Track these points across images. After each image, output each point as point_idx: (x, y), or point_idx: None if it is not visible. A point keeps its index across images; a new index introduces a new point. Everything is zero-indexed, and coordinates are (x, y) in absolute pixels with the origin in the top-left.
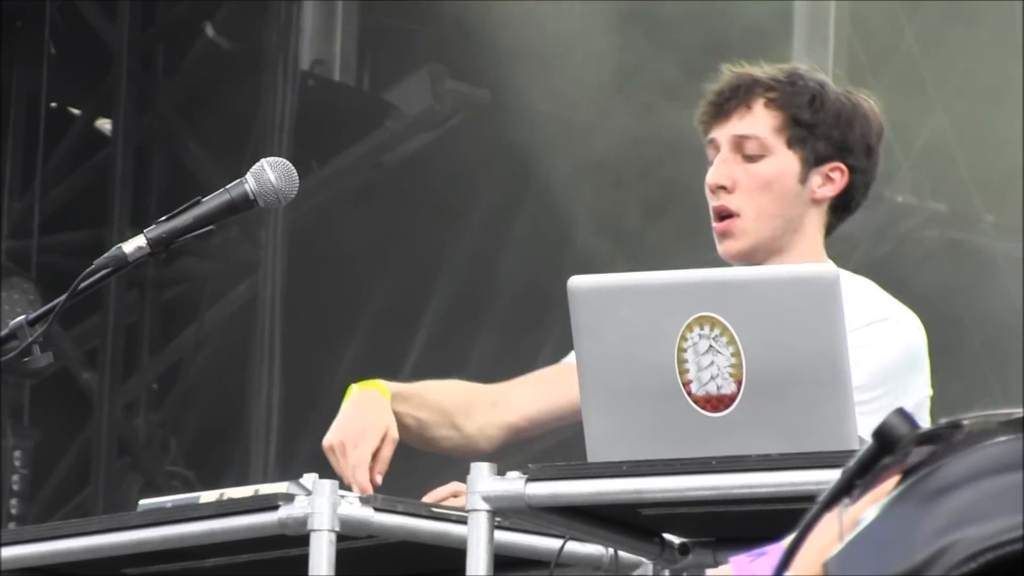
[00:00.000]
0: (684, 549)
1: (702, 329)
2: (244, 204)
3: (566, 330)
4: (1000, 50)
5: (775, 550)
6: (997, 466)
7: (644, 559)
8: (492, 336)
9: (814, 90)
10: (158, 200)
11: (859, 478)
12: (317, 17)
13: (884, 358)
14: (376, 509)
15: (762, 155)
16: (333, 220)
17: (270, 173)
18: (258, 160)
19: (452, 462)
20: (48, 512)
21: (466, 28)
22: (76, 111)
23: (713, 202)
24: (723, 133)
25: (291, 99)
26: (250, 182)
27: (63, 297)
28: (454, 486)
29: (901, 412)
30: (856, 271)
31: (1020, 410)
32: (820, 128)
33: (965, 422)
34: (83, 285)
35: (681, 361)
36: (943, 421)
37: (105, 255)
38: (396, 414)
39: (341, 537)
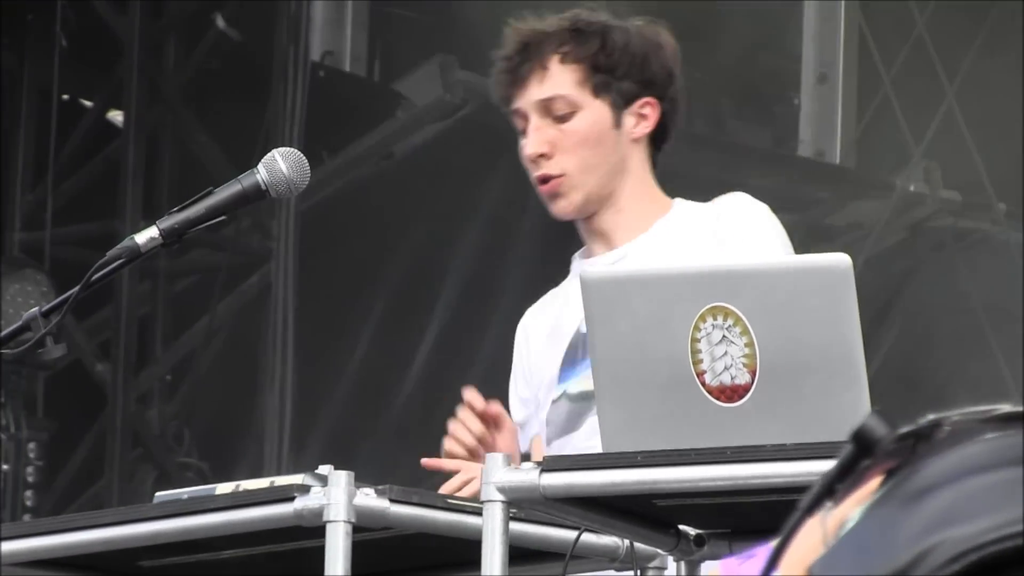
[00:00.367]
0: (700, 540)
1: (715, 319)
2: (256, 194)
3: None
4: (1012, 38)
5: (764, 551)
6: (979, 465)
7: (660, 550)
8: (504, 326)
9: (602, 32)
10: (170, 191)
11: (839, 482)
12: (327, 8)
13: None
14: (392, 500)
15: (572, 112)
16: (344, 210)
17: (282, 163)
18: (269, 151)
19: None
20: (63, 504)
21: (476, 18)
22: (87, 103)
23: (535, 171)
24: (526, 101)
25: (302, 90)
26: (262, 172)
27: (76, 288)
28: (465, 473)
29: (880, 413)
30: (868, 260)
31: (1005, 406)
32: (620, 70)
33: (947, 420)
34: (96, 276)
35: (695, 351)
36: (925, 419)
37: (118, 246)
38: None
39: (357, 528)
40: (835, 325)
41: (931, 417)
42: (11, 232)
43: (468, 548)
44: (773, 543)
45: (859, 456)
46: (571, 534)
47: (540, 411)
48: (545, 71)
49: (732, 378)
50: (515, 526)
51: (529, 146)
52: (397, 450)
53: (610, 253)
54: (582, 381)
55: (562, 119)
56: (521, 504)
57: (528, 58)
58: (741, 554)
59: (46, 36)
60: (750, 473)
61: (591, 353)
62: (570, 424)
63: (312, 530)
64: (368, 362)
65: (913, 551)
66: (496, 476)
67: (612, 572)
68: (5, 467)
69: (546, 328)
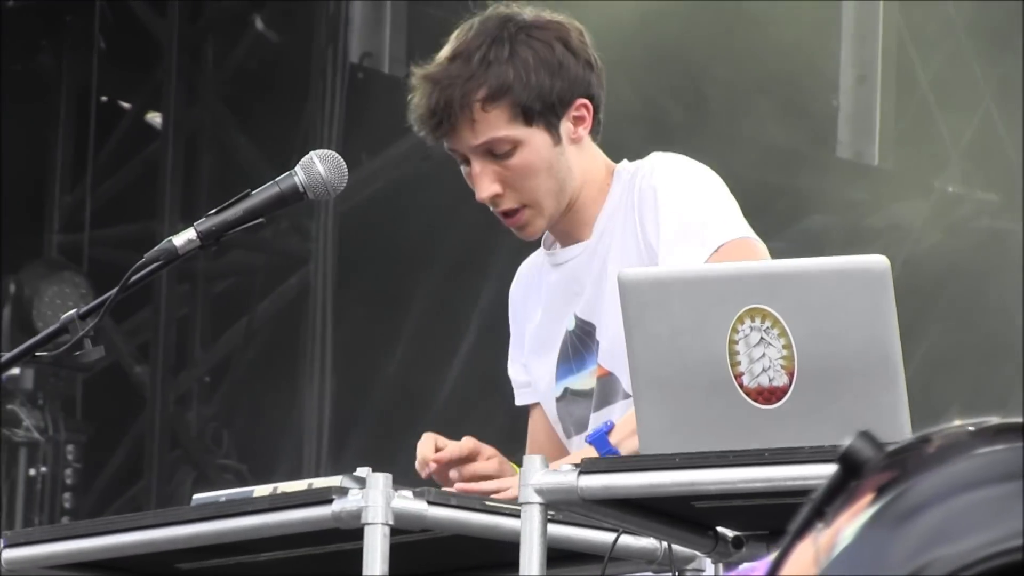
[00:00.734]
0: (738, 542)
1: (753, 321)
2: (294, 196)
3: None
4: None
5: (762, 565)
6: (969, 481)
7: (698, 552)
8: None
9: (510, 59)
10: (208, 193)
11: (828, 504)
12: (366, 9)
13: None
14: (429, 503)
15: (513, 148)
16: (383, 212)
17: (319, 165)
18: (307, 153)
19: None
20: (101, 506)
21: None
22: (126, 105)
23: (493, 209)
24: (461, 145)
25: (340, 91)
26: (299, 174)
27: (114, 291)
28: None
29: (866, 434)
30: (907, 260)
31: (994, 418)
32: (540, 90)
33: (937, 434)
34: (134, 279)
35: (733, 353)
36: (913, 435)
37: (156, 248)
38: None
39: (395, 531)
40: (873, 327)
41: (919, 433)
42: (50, 234)
43: (506, 550)
44: (769, 564)
45: (847, 478)
46: (609, 536)
47: (546, 410)
48: (473, 118)
49: (770, 380)
50: (553, 528)
51: (480, 191)
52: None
53: (575, 246)
54: (586, 378)
55: (505, 156)
56: (559, 506)
57: (450, 113)
58: (740, 570)
59: (85, 38)
60: (788, 475)
61: (629, 354)
62: (587, 416)
63: (350, 532)
64: (407, 363)
65: (906, 570)
66: (534, 478)
67: (650, 574)
68: (43, 469)
69: (534, 330)
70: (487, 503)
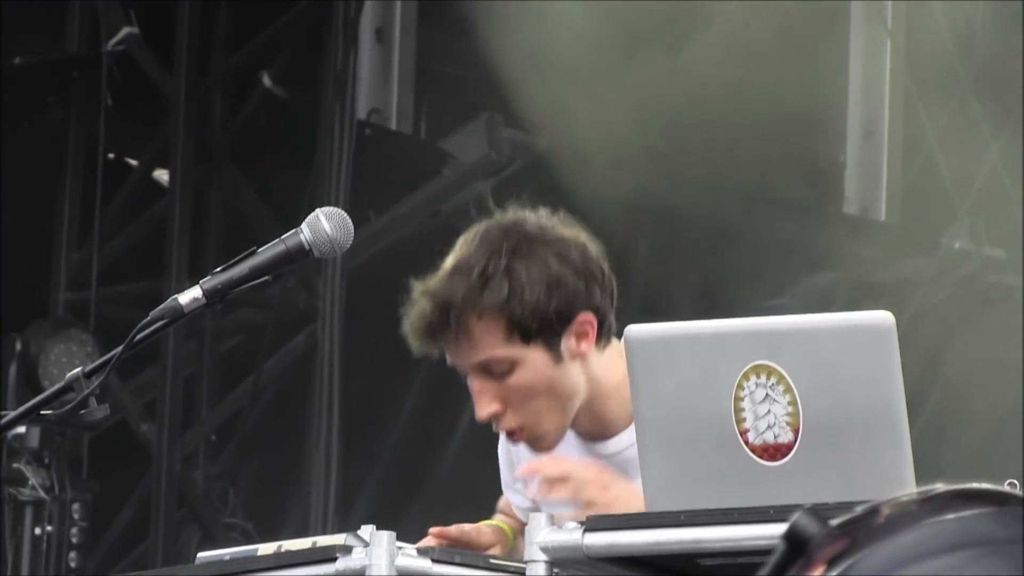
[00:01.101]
0: None
1: (759, 377)
2: (299, 254)
3: None
4: None
5: None
6: (916, 553)
7: None
8: None
9: (510, 280)
10: (216, 250)
11: None
12: (374, 66)
13: None
14: (434, 561)
15: (511, 368)
16: (391, 269)
17: (325, 223)
18: (314, 210)
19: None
20: (107, 565)
21: (522, 76)
22: (133, 161)
23: (495, 426)
24: (460, 362)
25: (348, 148)
26: (305, 232)
27: (119, 349)
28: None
29: (810, 511)
30: (914, 317)
31: (940, 485)
32: (538, 309)
33: (885, 505)
34: (139, 337)
35: (738, 410)
36: (860, 507)
37: (161, 307)
38: None
39: None
40: (878, 383)
41: (867, 504)
42: (56, 292)
43: None
44: None
45: (793, 556)
46: None
47: None
48: (469, 335)
49: (775, 436)
50: None
51: (479, 410)
52: (446, 510)
53: (607, 442)
54: None
55: (503, 375)
56: (564, 564)
57: (447, 323)
58: None
59: (92, 94)
60: None
61: (635, 410)
62: None
63: None
64: (415, 421)
65: None
66: (539, 536)
67: None
68: (49, 528)
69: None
70: (492, 561)
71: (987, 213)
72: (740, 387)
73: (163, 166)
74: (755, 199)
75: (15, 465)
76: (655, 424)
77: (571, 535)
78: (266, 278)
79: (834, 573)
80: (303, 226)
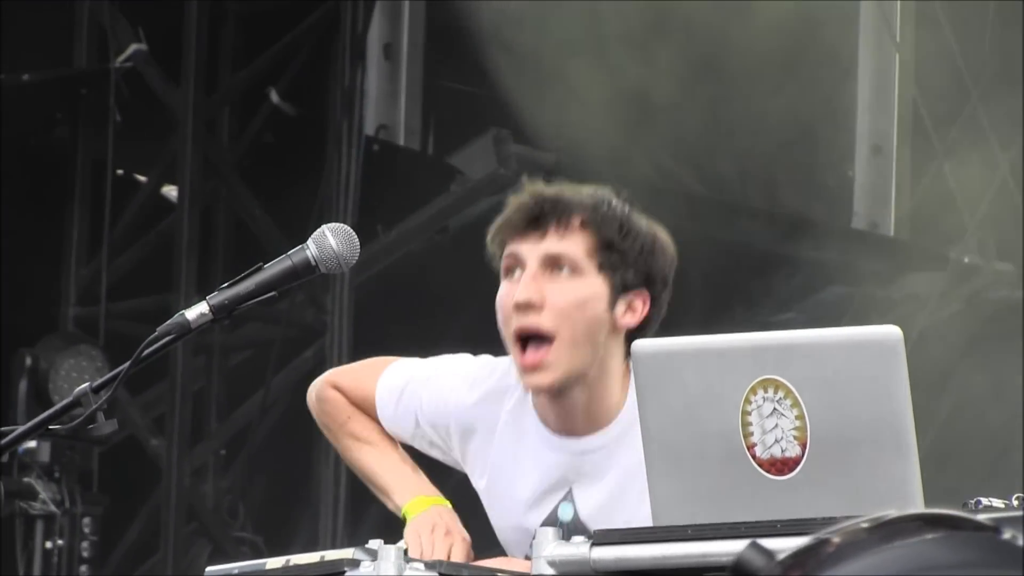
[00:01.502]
0: None
1: (766, 392)
2: (306, 270)
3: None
4: None
5: None
6: None
7: None
8: None
9: (622, 217)
10: (224, 265)
11: None
12: (381, 82)
13: None
14: (441, 575)
15: (575, 275)
16: (399, 285)
17: (331, 239)
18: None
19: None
20: None
21: (530, 92)
22: (142, 178)
23: (517, 322)
24: (533, 250)
25: (356, 164)
26: (311, 248)
27: (126, 364)
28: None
29: (755, 545)
30: (923, 332)
31: (891, 511)
32: (629, 256)
33: (835, 533)
34: (146, 352)
35: (745, 424)
36: (810, 537)
37: (168, 322)
38: None
39: None
40: (885, 398)
41: (817, 534)
42: (66, 307)
43: None
44: None
45: None
46: None
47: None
48: (566, 229)
49: (783, 451)
50: None
51: (520, 292)
52: None
53: (580, 440)
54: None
55: (563, 278)
56: None
57: (553, 210)
58: None
59: (100, 111)
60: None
61: (642, 425)
62: None
63: None
64: None
65: None
66: (547, 550)
67: None
68: (60, 542)
69: (523, 483)
70: (499, 575)
71: (996, 228)
72: (747, 401)
73: (171, 182)
74: (763, 214)
75: (26, 479)
76: (662, 438)
77: (579, 549)
78: (272, 294)
79: None
80: (309, 242)
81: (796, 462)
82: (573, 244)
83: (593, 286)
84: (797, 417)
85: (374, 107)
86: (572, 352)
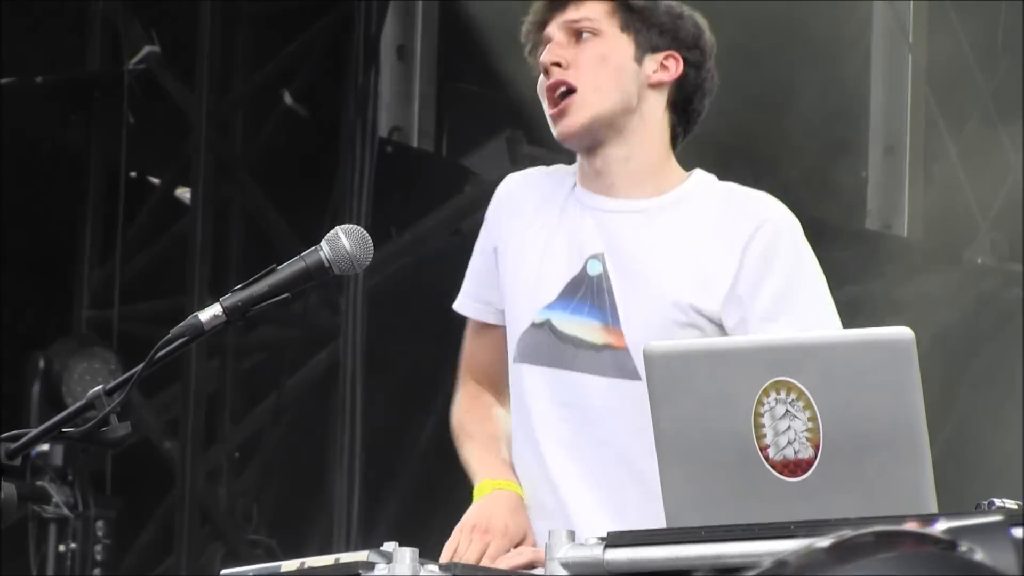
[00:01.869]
0: None
1: (778, 394)
2: (319, 272)
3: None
4: None
5: None
6: None
7: None
8: None
9: None
10: (238, 268)
11: None
12: (395, 83)
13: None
14: None
15: (595, 35)
16: (412, 287)
17: (345, 240)
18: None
19: None
20: None
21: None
22: (155, 180)
23: (547, 81)
24: (556, 24)
25: (369, 166)
26: (325, 249)
27: (140, 367)
28: (531, 553)
29: (712, 572)
30: (936, 332)
31: (846, 532)
32: (652, 16)
33: (792, 558)
34: (160, 354)
35: (758, 426)
36: (769, 562)
37: (181, 324)
38: None
39: None
40: (898, 399)
41: (775, 557)
42: (79, 310)
43: None
44: None
45: None
46: None
47: (509, 326)
48: (581, 3)
49: (795, 452)
50: None
51: (546, 55)
52: None
53: (618, 200)
54: (575, 324)
55: (585, 40)
56: None
57: None
58: None
59: (113, 113)
60: None
61: (655, 427)
62: (549, 358)
63: None
64: (437, 438)
65: None
66: (560, 552)
67: None
68: (73, 545)
69: (537, 242)
70: None
71: (1009, 228)
72: (760, 403)
73: (184, 184)
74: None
75: (39, 482)
76: (675, 440)
77: (592, 551)
78: (286, 295)
79: None
80: (323, 243)
81: (809, 464)
82: (591, 8)
83: (613, 41)
84: (809, 419)
85: (387, 109)
86: (596, 96)
